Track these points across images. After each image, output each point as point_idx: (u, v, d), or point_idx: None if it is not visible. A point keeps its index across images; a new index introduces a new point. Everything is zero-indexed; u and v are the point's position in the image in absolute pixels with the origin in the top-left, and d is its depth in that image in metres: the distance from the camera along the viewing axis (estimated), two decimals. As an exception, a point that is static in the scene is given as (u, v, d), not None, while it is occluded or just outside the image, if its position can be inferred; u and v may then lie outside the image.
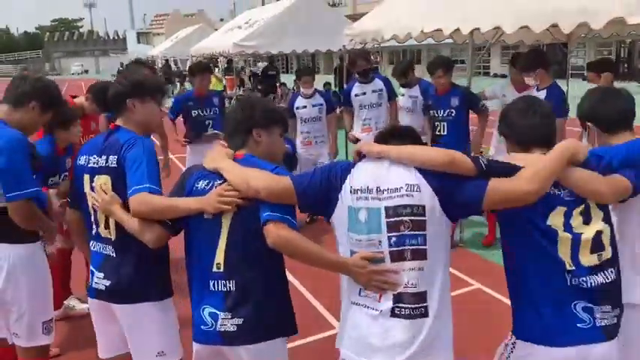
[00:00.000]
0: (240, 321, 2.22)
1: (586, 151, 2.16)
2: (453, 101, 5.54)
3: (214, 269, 2.24)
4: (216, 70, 18.02)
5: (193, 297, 2.35)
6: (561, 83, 5.14)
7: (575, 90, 4.91)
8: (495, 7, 4.81)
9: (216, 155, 2.36)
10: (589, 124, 2.54)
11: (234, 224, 2.22)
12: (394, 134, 2.23)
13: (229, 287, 2.23)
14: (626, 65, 30.63)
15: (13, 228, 2.82)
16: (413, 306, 2.03)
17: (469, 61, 5.92)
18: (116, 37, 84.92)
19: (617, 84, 4.67)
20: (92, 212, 2.62)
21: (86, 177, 2.60)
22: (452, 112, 5.55)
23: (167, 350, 2.63)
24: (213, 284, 2.25)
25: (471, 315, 4.18)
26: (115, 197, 2.49)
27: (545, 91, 4.88)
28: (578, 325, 2.06)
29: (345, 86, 8.37)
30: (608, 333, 2.09)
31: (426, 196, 2.00)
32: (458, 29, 5.28)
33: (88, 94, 4.46)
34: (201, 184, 2.30)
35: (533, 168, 2.01)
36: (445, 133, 5.57)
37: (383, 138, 2.22)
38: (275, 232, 2.10)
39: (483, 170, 1.99)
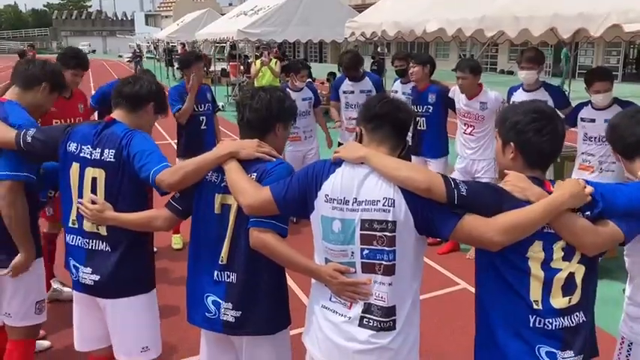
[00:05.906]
0: (238, 313, 2.31)
1: (588, 196, 1.94)
2: (430, 97, 5.58)
3: (220, 261, 2.32)
4: (274, 62, 12.69)
5: (195, 284, 2.41)
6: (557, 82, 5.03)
7: (582, 91, 4.81)
8: (498, 11, 4.82)
9: (223, 150, 2.35)
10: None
11: (239, 220, 2.28)
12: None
13: (232, 279, 2.32)
14: (634, 67, 30.39)
15: None
16: (381, 319, 2.04)
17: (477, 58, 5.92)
18: (124, 19, 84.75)
19: (626, 86, 4.55)
20: (74, 205, 2.60)
21: (75, 165, 2.58)
22: (429, 109, 5.60)
23: (151, 345, 2.70)
24: (218, 275, 2.34)
25: (454, 315, 4.22)
26: (105, 204, 2.51)
27: (542, 89, 4.92)
28: None
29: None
30: None
31: (401, 213, 1.97)
32: (460, 29, 5.29)
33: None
34: (212, 177, 2.35)
35: (515, 218, 1.88)
36: (425, 128, 5.64)
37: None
38: (255, 235, 2.18)
39: (454, 204, 1.92)
